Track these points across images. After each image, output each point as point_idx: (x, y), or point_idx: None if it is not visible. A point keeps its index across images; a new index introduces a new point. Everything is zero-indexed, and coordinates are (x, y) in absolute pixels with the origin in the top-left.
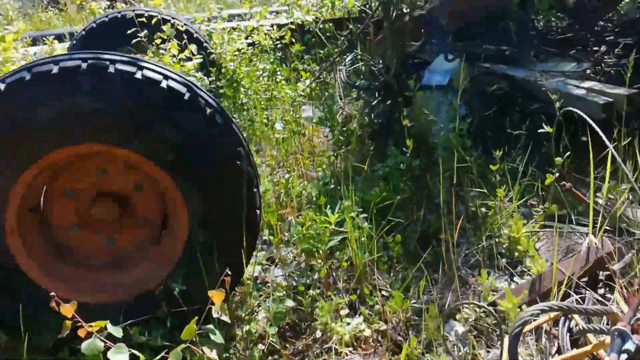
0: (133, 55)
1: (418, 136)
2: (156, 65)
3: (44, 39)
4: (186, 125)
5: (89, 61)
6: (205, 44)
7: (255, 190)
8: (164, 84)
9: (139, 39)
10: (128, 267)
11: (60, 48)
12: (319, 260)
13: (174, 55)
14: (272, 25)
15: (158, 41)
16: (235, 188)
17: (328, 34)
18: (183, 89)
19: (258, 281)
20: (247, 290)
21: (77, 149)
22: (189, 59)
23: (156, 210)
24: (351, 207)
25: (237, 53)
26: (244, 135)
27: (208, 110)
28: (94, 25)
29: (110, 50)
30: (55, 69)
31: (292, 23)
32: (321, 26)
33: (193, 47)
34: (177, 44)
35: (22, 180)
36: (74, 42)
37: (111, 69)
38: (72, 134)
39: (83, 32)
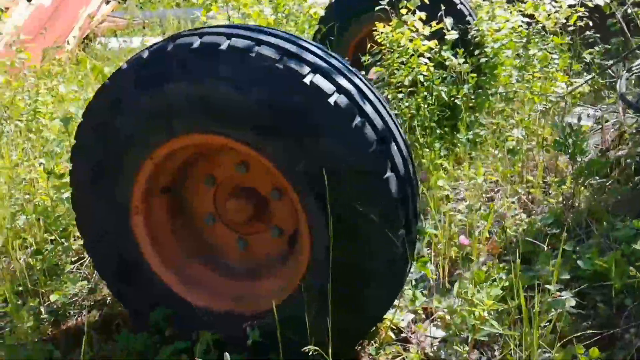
0: (289, 34)
1: None
2: (312, 51)
3: None
4: (325, 136)
5: (233, 39)
6: (468, 18)
7: (404, 233)
8: (308, 78)
9: (382, 6)
10: (253, 278)
11: (320, 5)
12: (465, 348)
13: (416, 30)
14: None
15: (403, 11)
16: (374, 228)
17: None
18: (331, 88)
19: (402, 334)
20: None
21: (205, 137)
22: (439, 36)
23: (292, 224)
24: (556, 276)
25: (503, 32)
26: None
27: (361, 122)
28: None
29: (358, 15)
30: (196, 43)
31: (582, 5)
32: (630, 10)
33: (448, 22)
34: (425, 16)
35: (151, 158)
36: (333, 2)
37: (253, 53)
38: (201, 120)
39: None
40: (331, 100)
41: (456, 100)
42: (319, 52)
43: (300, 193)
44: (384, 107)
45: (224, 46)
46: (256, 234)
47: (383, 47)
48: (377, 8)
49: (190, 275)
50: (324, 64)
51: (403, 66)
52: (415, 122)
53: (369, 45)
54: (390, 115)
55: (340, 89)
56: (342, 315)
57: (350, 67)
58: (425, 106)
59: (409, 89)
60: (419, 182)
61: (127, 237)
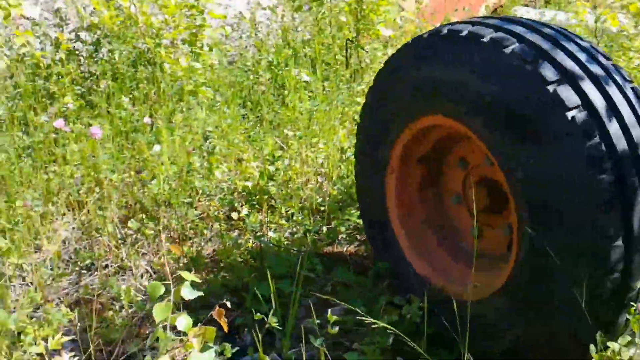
0: (573, 37)
1: None
2: (577, 57)
3: None
4: (553, 150)
5: (497, 32)
6: None
7: (618, 277)
8: (552, 87)
9: None
10: (475, 267)
11: None
12: None
13: None
14: None
15: None
16: (578, 261)
17: None
18: (575, 102)
19: None
20: None
21: (452, 122)
22: None
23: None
24: None
25: None
26: None
27: (596, 144)
28: None
29: None
30: (465, 32)
31: None
32: None
33: None
34: None
35: (409, 128)
36: None
37: (508, 49)
38: (450, 104)
39: None
40: (569, 114)
41: None
42: (588, 59)
43: (515, 198)
44: None
45: (486, 38)
46: (490, 227)
47: None
48: None
49: (422, 245)
50: (581, 73)
51: None
52: None
53: None
54: None
55: (587, 105)
56: (536, 328)
57: (621, 80)
58: None
59: None
60: None
61: (380, 193)
